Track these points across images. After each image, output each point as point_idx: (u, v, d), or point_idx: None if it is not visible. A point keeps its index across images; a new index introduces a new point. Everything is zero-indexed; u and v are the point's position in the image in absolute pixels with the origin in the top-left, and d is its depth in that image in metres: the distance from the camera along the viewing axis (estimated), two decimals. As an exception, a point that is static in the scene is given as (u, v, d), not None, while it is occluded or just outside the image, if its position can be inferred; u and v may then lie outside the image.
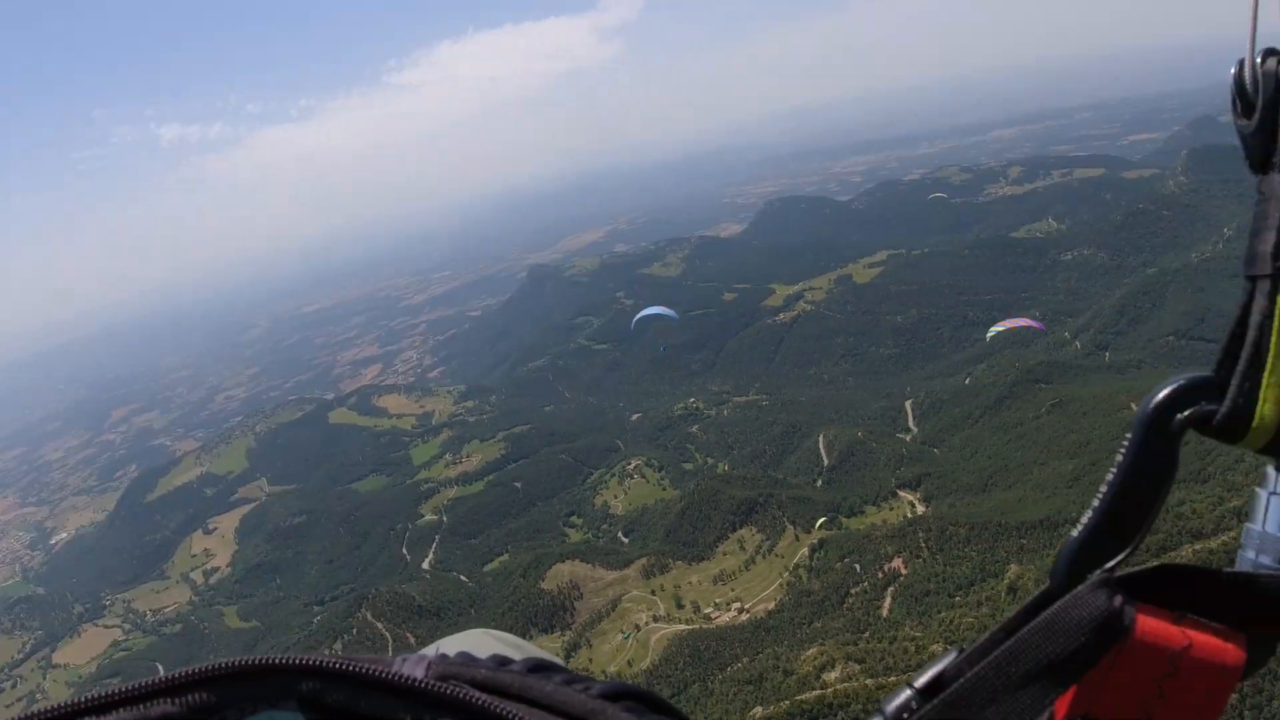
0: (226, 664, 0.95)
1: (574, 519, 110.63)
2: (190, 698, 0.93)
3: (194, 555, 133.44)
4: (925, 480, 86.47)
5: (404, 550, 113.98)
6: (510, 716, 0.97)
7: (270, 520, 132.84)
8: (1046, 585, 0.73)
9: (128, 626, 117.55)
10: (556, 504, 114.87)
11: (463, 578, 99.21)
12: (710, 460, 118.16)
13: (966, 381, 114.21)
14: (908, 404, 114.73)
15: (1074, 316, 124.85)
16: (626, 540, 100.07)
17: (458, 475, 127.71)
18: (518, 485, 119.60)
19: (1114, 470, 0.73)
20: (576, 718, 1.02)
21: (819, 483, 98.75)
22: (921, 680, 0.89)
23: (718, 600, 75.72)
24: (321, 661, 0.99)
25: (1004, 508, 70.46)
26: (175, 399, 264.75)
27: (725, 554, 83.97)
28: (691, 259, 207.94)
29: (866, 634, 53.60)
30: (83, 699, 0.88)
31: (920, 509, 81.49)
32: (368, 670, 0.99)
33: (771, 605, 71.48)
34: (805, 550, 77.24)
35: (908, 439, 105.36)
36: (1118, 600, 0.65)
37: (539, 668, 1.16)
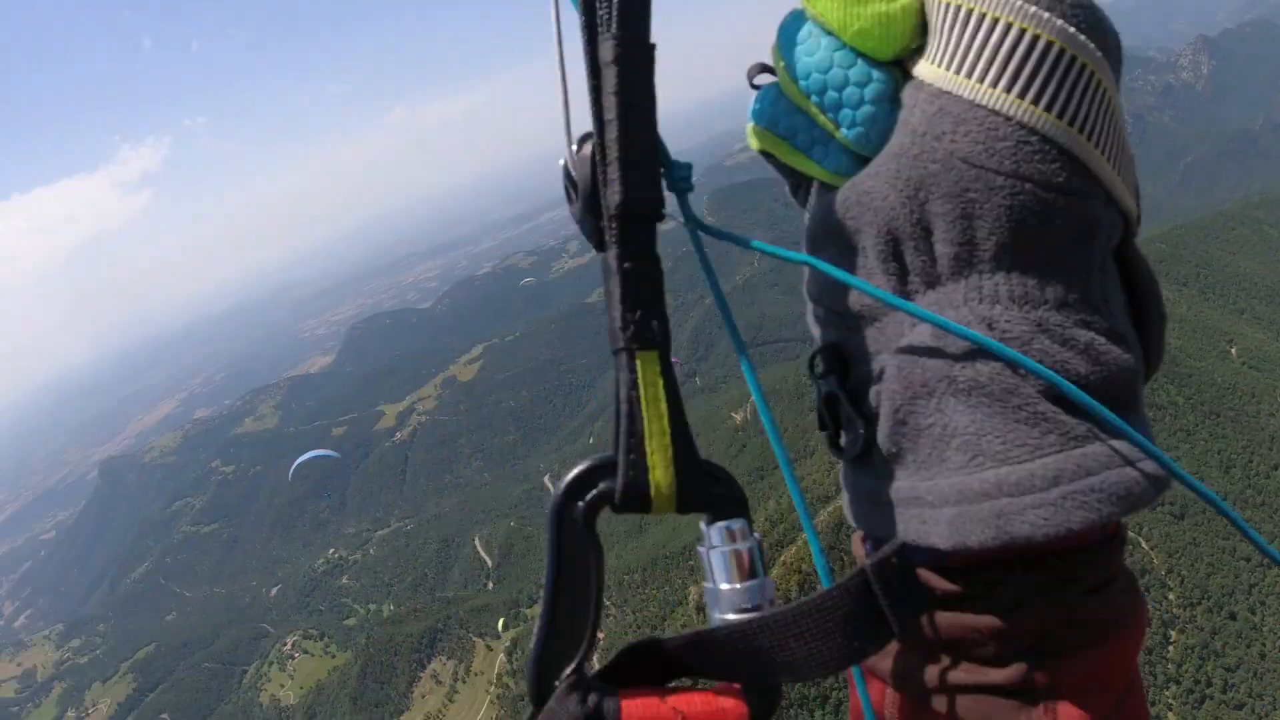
0: None
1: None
2: None
3: None
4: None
5: None
6: None
7: None
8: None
9: None
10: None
11: None
12: (372, 607, 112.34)
13: (590, 440, 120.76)
14: (546, 479, 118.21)
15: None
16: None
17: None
18: (164, 717, 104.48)
19: (545, 572, 0.66)
20: None
21: (490, 585, 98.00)
22: None
23: (430, 747, 71.42)
24: None
25: (663, 540, 75.03)
26: None
27: (423, 696, 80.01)
28: (286, 404, 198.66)
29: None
30: None
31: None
32: None
33: (488, 727, 69.10)
34: (502, 657, 75.90)
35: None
36: (592, 699, 0.63)
37: None
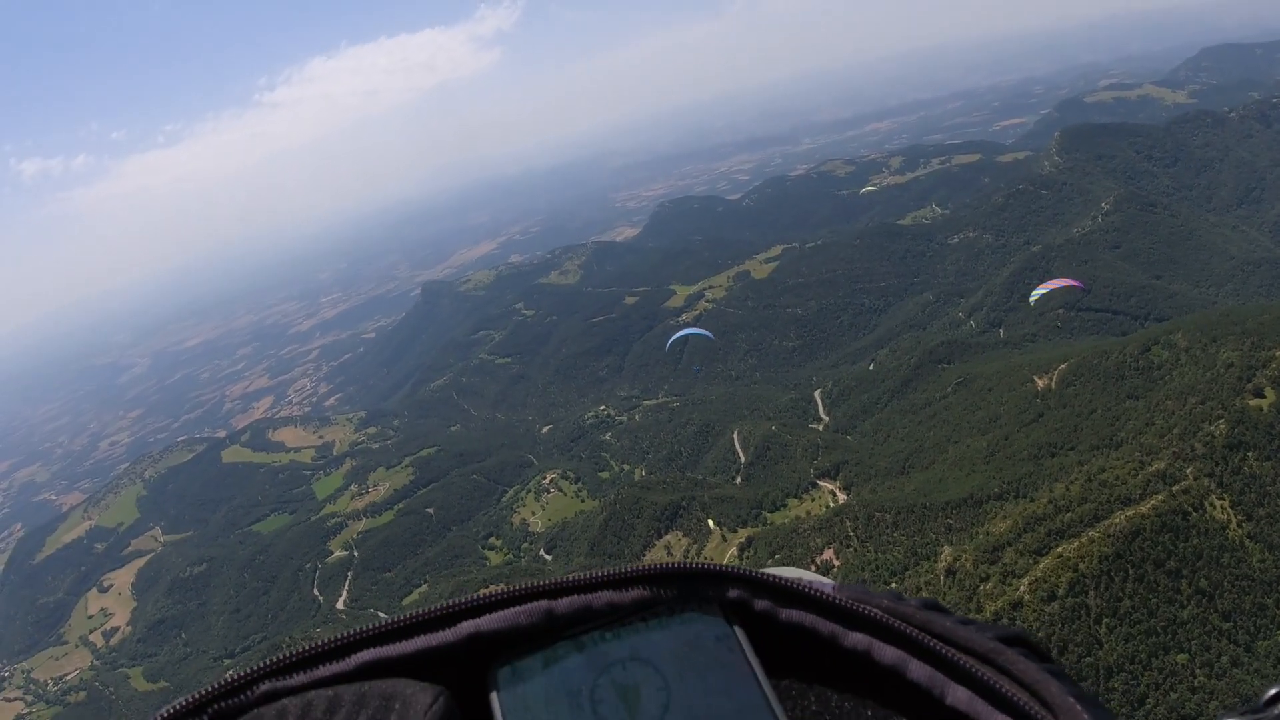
0: (667, 566, 1.05)
1: (493, 540, 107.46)
2: (632, 591, 1.05)
3: (91, 616, 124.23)
4: (843, 468, 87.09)
5: (315, 591, 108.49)
6: (921, 640, 1.02)
7: (168, 572, 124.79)
8: None
9: (30, 698, 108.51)
10: (473, 527, 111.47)
11: (381, 615, 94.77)
12: (626, 467, 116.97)
13: (870, 367, 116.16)
14: (816, 394, 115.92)
15: (965, 296, 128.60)
16: (549, 558, 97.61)
17: (365, 507, 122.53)
18: (430, 511, 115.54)
19: None
20: (977, 654, 1.06)
21: (738, 480, 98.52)
22: None
23: (651, 611, 74.07)
24: (749, 572, 1.08)
25: (925, 489, 71.24)
26: (56, 449, 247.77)
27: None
28: (589, 265, 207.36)
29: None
30: (540, 585, 1.05)
31: (841, 497, 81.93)
32: (789, 583, 1.06)
33: (706, 611, 70.21)
34: (734, 550, 76.61)
35: (820, 429, 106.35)
36: None
37: (932, 605, 1.21)
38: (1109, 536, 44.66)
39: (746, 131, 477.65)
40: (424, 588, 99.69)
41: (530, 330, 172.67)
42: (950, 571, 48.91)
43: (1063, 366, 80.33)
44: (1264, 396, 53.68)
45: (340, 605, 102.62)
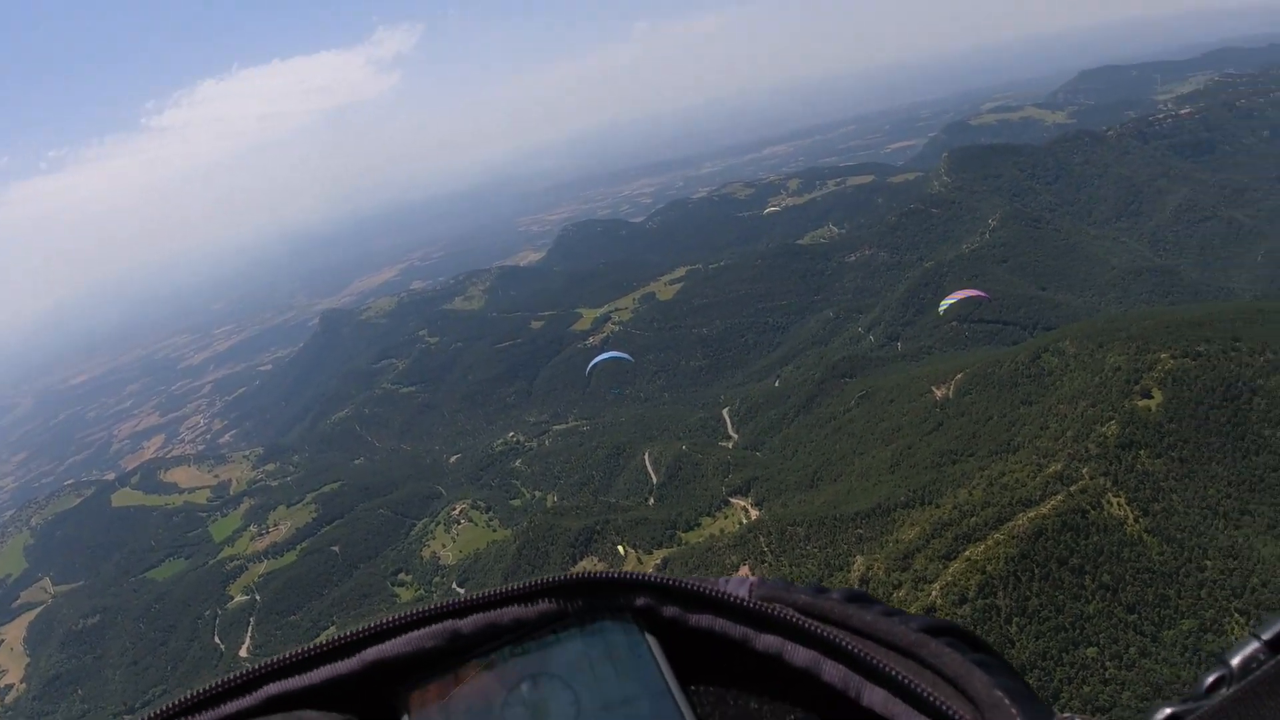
0: (572, 578, 1.02)
1: (402, 576, 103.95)
2: (539, 605, 1.01)
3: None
4: (754, 484, 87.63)
5: (216, 639, 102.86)
6: (834, 640, 0.97)
7: (60, 625, 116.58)
8: None
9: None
10: (381, 563, 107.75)
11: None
12: (538, 493, 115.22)
13: (776, 384, 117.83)
14: (725, 412, 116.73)
15: (864, 313, 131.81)
16: (462, 591, 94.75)
17: (266, 547, 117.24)
18: (335, 549, 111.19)
19: None
20: (899, 649, 1.01)
21: (651, 501, 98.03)
22: (1269, 633, 0.93)
23: (567, 638, 72.52)
24: (656, 579, 1.07)
25: (835, 501, 72.02)
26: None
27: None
28: (494, 290, 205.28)
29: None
30: (444, 605, 1.01)
31: (754, 513, 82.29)
32: (697, 588, 1.05)
33: (624, 635, 69.18)
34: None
35: (730, 446, 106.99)
36: None
37: (856, 598, 1.15)
38: (1013, 538, 45.74)
39: (649, 156, 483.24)
40: (332, 629, 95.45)
41: (435, 358, 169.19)
42: (864, 581, 49.28)
43: (959, 376, 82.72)
44: (1152, 397, 56.14)
45: (244, 653, 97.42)
